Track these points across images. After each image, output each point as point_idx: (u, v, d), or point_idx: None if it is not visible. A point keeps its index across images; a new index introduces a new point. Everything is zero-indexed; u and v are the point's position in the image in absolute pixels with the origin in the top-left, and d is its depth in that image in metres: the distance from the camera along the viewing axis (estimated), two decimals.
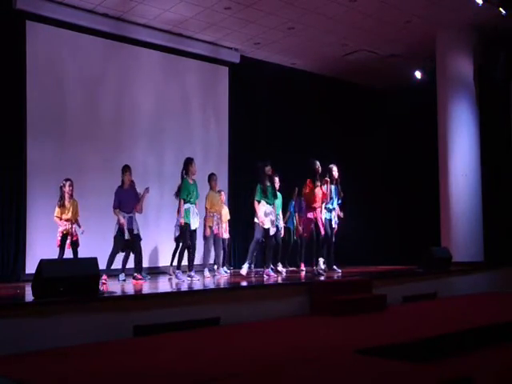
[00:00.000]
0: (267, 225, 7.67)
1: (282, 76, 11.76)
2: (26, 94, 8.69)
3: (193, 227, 7.39)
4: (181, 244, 7.50)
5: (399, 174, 12.93)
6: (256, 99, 11.46)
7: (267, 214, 7.69)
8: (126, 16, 9.44)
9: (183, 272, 7.45)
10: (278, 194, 8.55)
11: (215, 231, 8.43)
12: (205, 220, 8.31)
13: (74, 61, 9.22)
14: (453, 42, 10.41)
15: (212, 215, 8.34)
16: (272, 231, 7.76)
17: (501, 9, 8.70)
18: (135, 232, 7.50)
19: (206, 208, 8.30)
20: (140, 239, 7.61)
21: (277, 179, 8.77)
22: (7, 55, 8.54)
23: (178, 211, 7.67)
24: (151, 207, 8.97)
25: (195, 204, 7.50)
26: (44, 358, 4.29)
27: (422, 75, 11.25)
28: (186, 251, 7.43)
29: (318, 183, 8.05)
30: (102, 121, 9.49)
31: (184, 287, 6.71)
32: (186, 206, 7.38)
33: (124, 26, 9.60)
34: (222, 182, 10.79)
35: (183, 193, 7.42)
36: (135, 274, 7.48)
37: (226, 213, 9.12)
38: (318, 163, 8.10)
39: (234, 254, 10.94)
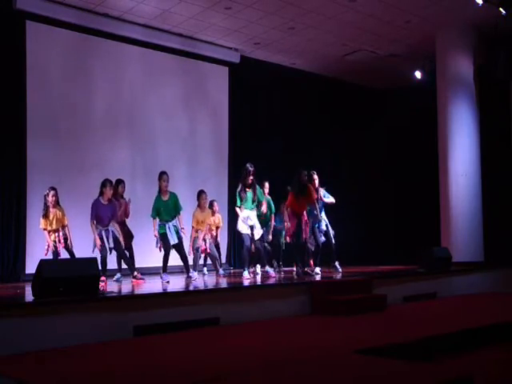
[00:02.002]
0: (245, 230, 7.64)
1: (282, 76, 11.77)
2: (26, 93, 8.69)
3: (172, 242, 7.25)
4: (163, 250, 7.45)
5: (399, 174, 12.94)
6: (256, 99, 11.45)
7: (245, 220, 7.64)
8: (126, 16, 9.44)
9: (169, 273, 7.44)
10: (268, 197, 8.63)
11: (204, 246, 8.29)
12: (191, 236, 8.23)
13: (74, 61, 9.22)
14: (453, 42, 10.41)
15: (197, 232, 8.23)
16: (257, 234, 7.75)
17: (501, 9, 8.70)
18: (111, 245, 7.28)
19: (192, 226, 8.18)
20: (120, 247, 7.40)
21: (267, 184, 8.78)
22: (7, 55, 8.54)
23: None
24: (147, 208, 8.94)
25: (174, 219, 7.33)
26: (44, 358, 4.28)
27: (422, 75, 11.26)
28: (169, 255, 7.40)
29: (300, 193, 7.96)
30: (102, 121, 9.49)
31: (183, 287, 6.72)
32: (160, 223, 7.28)
33: (124, 26, 9.59)
34: (222, 183, 10.83)
35: (153, 211, 7.31)
36: (135, 274, 7.46)
37: (218, 221, 8.84)
38: (306, 174, 8.04)
39: (233, 254, 10.95)
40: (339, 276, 8.04)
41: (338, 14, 9.59)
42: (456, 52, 10.40)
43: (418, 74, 11.31)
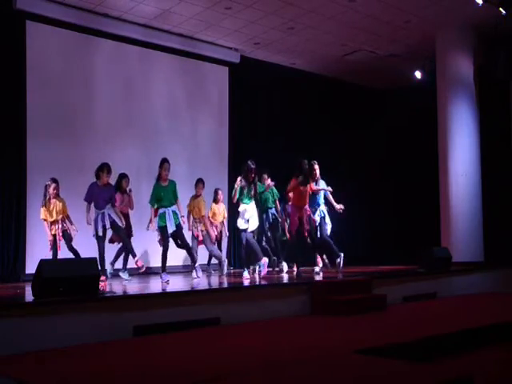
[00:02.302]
0: (242, 226, 7.65)
1: (282, 76, 11.76)
2: (26, 93, 8.68)
3: (170, 230, 7.22)
4: (162, 246, 7.44)
5: (399, 174, 12.94)
6: (256, 99, 11.46)
7: (242, 214, 7.66)
8: (126, 16, 9.45)
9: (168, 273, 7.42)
10: (275, 190, 8.69)
11: (195, 234, 8.46)
12: (188, 221, 8.32)
13: (74, 61, 9.22)
14: (453, 42, 10.40)
15: (195, 220, 8.31)
16: (252, 226, 7.75)
17: (501, 9, 8.70)
18: (107, 227, 7.27)
19: (188, 211, 8.30)
20: (119, 229, 7.38)
21: (265, 176, 8.83)
22: (7, 55, 8.54)
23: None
24: (144, 209, 8.93)
25: (173, 205, 7.32)
26: (44, 358, 4.28)
27: (422, 75, 11.26)
28: (167, 252, 7.38)
29: (304, 182, 7.88)
30: (103, 120, 9.48)
31: (184, 287, 6.72)
32: (161, 210, 7.27)
33: (124, 26, 9.60)
34: (222, 182, 10.80)
35: (151, 199, 7.33)
36: (136, 259, 7.38)
37: (220, 212, 8.99)
38: (307, 163, 8.00)
39: (234, 254, 10.95)
40: (337, 276, 8.04)
41: (338, 14, 9.59)
42: (456, 52, 10.40)
43: (418, 74, 11.31)
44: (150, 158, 9.82)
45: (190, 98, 10.66)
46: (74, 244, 7.57)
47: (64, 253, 7.47)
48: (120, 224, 7.39)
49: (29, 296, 5.17)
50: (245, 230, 7.67)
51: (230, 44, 10.84)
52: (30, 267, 7.76)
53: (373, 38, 10.66)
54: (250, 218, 7.71)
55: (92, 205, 7.29)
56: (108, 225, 7.25)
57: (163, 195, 7.28)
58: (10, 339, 4.44)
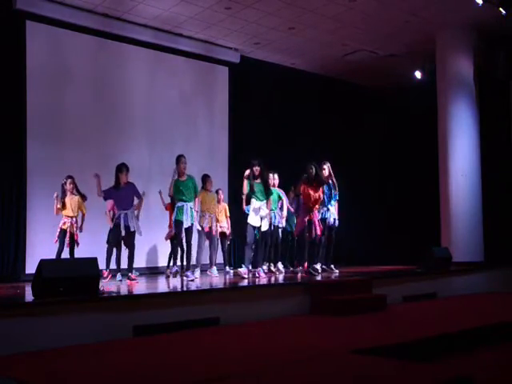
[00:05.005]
0: (255, 223, 7.56)
1: (282, 76, 11.76)
2: (26, 94, 8.68)
3: (185, 225, 7.31)
4: (174, 242, 7.46)
5: (399, 174, 12.94)
6: (256, 99, 11.45)
7: (256, 211, 7.59)
8: (126, 16, 9.45)
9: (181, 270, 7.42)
10: (276, 190, 8.53)
11: (206, 229, 8.33)
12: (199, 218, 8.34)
13: (73, 61, 9.21)
14: (453, 42, 10.41)
15: (204, 215, 8.26)
16: (264, 227, 7.74)
17: (501, 9, 8.70)
18: (131, 229, 7.36)
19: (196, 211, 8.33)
20: (134, 237, 7.46)
21: (276, 176, 8.72)
22: (7, 55, 8.54)
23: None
24: (150, 207, 8.94)
25: (192, 201, 7.43)
26: (44, 358, 4.29)
27: (422, 75, 11.25)
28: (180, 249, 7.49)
29: (313, 186, 7.94)
30: (102, 121, 9.47)
31: (184, 287, 6.72)
32: (180, 203, 7.35)
33: (124, 26, 9.59)
34: (222, 183, 10.79)
35: (170, 190, 7.46)
36: (129, 274, 7.39)
37: (223, 210, 8.99)
38: (313, 168, 8.00)
39: (233, 254, 10.94)
40: (336, 276, 8.03)
41: (338, 14, 9.59)
42: (456, 52, 10.40)
43: (418, 74, 11.31)
44: (150, 158, 9.87)
45: (190, 98, 10.65)
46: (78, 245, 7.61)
47: (66, 252, 7.49)
48: (137, 228, 7.47)
49: (29, 296, 5.17)
50: (255, 228, 7.61)
51: (230, 44, 10.83)
52: (30, 267, 7.75)
53: (373, 37, 10.66)
54: (264, 216, 7.68)
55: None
56: (133, 228, 7.34)
57: (182, 189, 7.40)
58: (9, 339, 4.44)
